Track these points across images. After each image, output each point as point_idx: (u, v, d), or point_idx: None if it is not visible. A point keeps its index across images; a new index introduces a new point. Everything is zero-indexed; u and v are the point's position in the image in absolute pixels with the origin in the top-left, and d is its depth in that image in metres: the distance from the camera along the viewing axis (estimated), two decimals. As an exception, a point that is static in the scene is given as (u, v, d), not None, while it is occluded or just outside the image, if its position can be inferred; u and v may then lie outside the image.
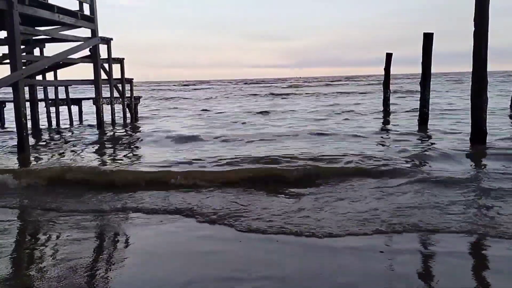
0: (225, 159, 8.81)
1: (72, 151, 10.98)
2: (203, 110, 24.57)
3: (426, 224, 4.97)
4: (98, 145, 11.81)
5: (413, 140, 11.24)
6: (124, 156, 10.14)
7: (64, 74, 16.03)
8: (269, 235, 4.85)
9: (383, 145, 10.58)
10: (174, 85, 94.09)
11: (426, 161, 8.36)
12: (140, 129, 15.55)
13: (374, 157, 8.64)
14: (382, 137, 12.05)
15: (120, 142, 12.34)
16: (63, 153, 10.53)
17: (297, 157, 8.71)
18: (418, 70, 13.25)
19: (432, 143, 10.69)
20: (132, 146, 11.52)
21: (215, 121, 17.67)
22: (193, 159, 8.96)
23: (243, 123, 16.69)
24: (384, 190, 6.44)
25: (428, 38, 12.84)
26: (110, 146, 11.75)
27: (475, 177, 6.90)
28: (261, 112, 20.88)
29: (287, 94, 40.05)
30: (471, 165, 8.08)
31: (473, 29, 9.34)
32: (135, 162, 9.28)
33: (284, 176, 7.20)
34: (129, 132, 14.72)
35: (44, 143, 12.92)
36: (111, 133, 14.38)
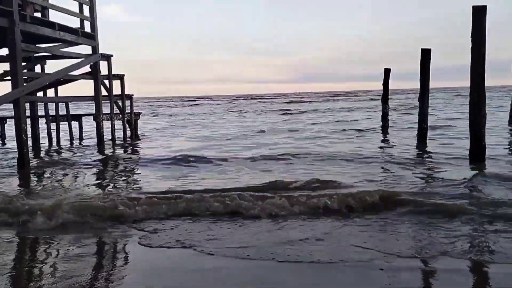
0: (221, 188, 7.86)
1: (70, 173, 10.63)
2: (204, 127, 24.37)
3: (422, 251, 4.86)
4: (97, 168, 11.34)
5: (411, 158, 11.03)
6: (121, 182, 9.67)
7: (64, 90, 16.17)
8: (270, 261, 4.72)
9: (382, 167, 10.12)
10: (173, 101, 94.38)
11: (424, 184, 8.18)
12: (140, 148, 15.28)
13: (375, 181, 8.49)
14: (380, 157, 11.43)
15: (118, 164, 11.87)
16: (61, 179, 10.04)
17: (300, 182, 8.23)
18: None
19: (430, 162, 10.54)
20: (129, 171, 10.96)
21: (217, 140, 16.96)
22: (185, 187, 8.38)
23: (247, 141, 16.24)
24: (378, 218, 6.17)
25: (425, 54, 12.98)
26: (108, 169, 11.30)
27: (474, 201, 6.61)
28: (262, 131, 20.37)
29: (289, 110, 39.90)
30: (469, 185, 7.82)
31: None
32: (133, 189, 8.61)
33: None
34: (128, 152, 14.48)
35: (44, 160, 12.89)
36: (111, 153, 14.07)
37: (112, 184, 9.36)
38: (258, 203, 6.67)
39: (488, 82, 9.47)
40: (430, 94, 13.56)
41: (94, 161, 12.29)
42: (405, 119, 23.55)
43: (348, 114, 31.49)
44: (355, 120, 25.53)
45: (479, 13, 9.23)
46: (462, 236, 5.19)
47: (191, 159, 11.82)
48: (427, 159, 10.99)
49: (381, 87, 19.24)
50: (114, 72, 16.26)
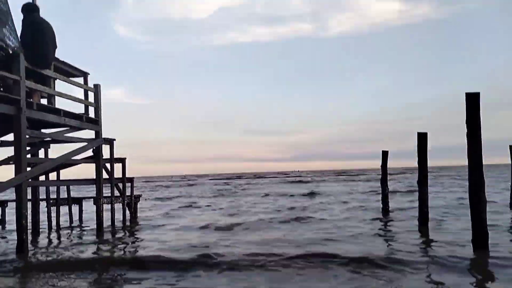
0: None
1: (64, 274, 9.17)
2: (209, 212, 22.87)
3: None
4: (93, 274, 9.23)
5: (410, 260, 9.39)
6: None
7: (66, 171, 16.28)
8: None
9: (379, 273, 8.42)
10: (173, 180, 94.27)
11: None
12: (140, 241, 13.39)
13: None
14: (380, 256, 9.64)
15: (117, 268, 9.71)
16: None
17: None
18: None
19: (431, 259, 9.41)
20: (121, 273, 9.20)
21: (224, 232, 14.82)
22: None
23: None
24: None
25: (422, 138, 13.06)
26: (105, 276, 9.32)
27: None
28: (270, 220, 17.65)
29: (293, 194, 37.70)
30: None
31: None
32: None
33: None
34: (128, 245, 12.75)
35: (42, 247, 12.66)
36: (109, 245, 12.74)
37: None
38: None
39: (485, 161, 9.40)
40: (431, 174, 13.49)
41: (91, 260, 10.58)
42: (407, 202, 23.12)
43: (349, 198, 30.57)
44: (357, 205, 24.05)
45: (472, 100, 9.40)
46: None
47: (200, 261, 9.85)
48: (428, 255, 9.81)
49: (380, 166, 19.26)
50: (115, 152, 16.25)
